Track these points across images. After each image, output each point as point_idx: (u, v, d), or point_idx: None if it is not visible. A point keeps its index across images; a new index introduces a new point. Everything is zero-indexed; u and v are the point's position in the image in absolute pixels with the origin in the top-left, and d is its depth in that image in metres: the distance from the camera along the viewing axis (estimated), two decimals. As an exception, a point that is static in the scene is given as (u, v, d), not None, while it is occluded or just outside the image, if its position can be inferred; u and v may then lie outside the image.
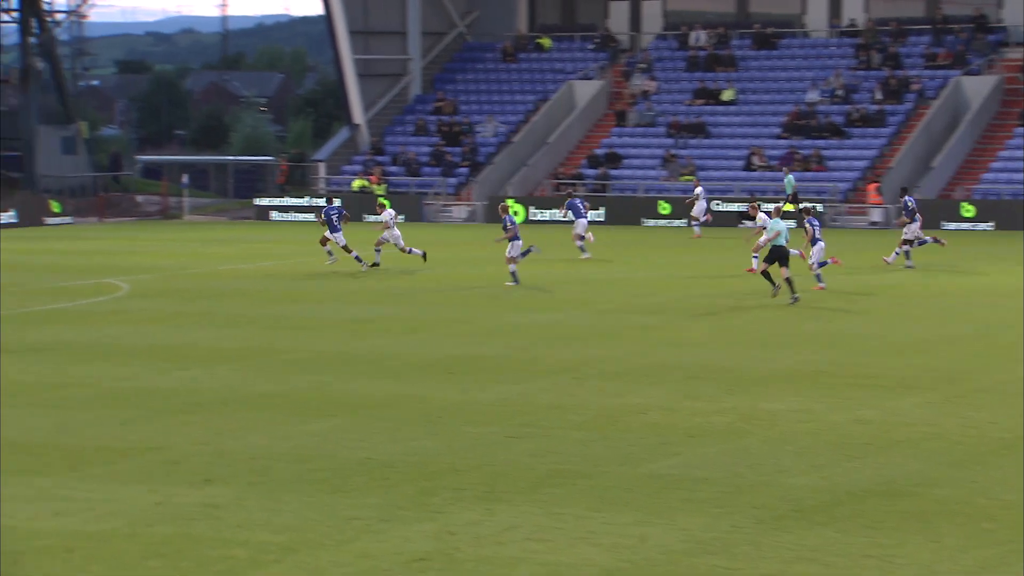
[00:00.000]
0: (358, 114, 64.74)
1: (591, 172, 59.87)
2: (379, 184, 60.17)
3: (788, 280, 29.50)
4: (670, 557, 12.24)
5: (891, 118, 59.28)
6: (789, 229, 30.55)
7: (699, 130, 61.12)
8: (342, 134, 66.49)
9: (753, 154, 58.64)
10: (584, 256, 40.07)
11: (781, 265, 29.52)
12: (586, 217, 41.05)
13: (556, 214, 56.31)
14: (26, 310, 29.36)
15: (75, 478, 14.88)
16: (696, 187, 49.98)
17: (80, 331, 26.22)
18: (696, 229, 48.41)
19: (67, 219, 57.97)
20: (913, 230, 37.03)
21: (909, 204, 37.15)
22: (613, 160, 60.28)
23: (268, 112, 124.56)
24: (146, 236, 52.38)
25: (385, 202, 38.93)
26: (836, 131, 59.20)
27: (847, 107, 59.93)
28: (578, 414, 18.29)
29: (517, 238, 33.47)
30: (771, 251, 29.76)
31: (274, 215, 59.84)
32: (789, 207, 46.59)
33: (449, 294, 32.12)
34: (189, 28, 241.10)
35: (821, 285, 31.65)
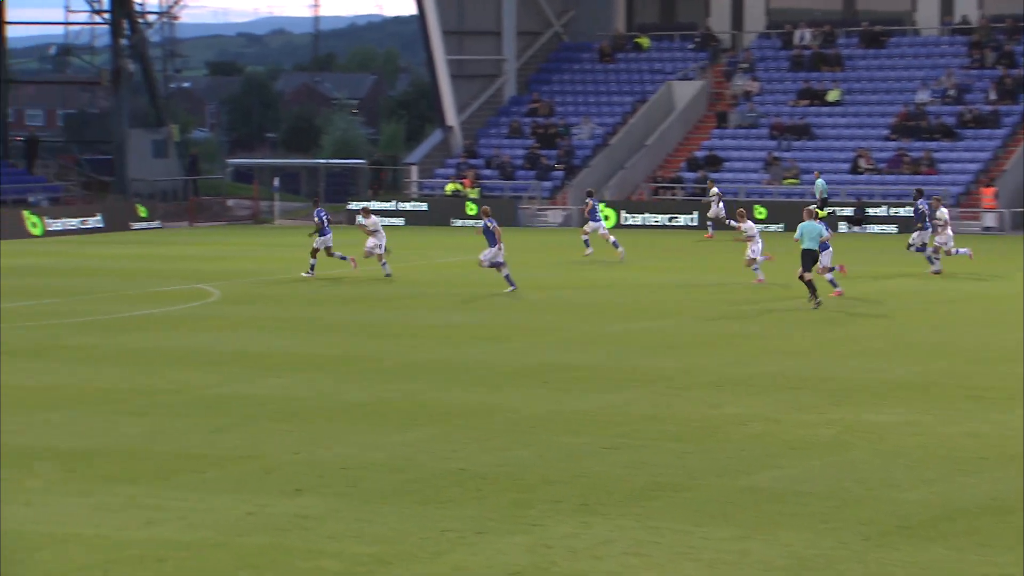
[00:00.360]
0: (451, 116, 65.01)
1: (690, 175, 59.66)
2: (472, 188, 60.39)
3: (809, 282, 30.16)
4: (772, 574, 12.18)
5: (1006, 119, 58.43)
6: (820, 234, 30.60)
7: (803, 132, 60.66)
8: (435, 136, 66.78)
9: (860, 156, 58.08)
10: (587, 252, 41.46)
11: (805, 270, 30.01)
12: (600, 220, 42.70)
13: (649, 218, 56.27)
14: (117, 315, 29.85)
15: (166, 486, 15.11)
16: (711, 188, 50.78)
17: (171, 337, 26.61)
18: (710, 229, 50.22)
19: (154, 224, 58.71)
20: (922, 236, 37.10)
21: (920, 208, 37.26)
22: (713, 163, 60.01)
23: (360, 114, 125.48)
24: (237, 241, 52.98)
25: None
26: (947, 133, 58.46)
27: (959, 108, 59.16)
28: (676, 425, 18.25)
29: (495, 243, 33.37)
30: (803, 256, 30.09)
31: (359, 219, 60.23)
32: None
33: (543, 301, 32.17)
34: (280, 29, 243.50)
35: (838, 290, 31.53)
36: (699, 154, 60.75)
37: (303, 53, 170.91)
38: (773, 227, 53.62)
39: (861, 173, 57.54)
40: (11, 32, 69.70)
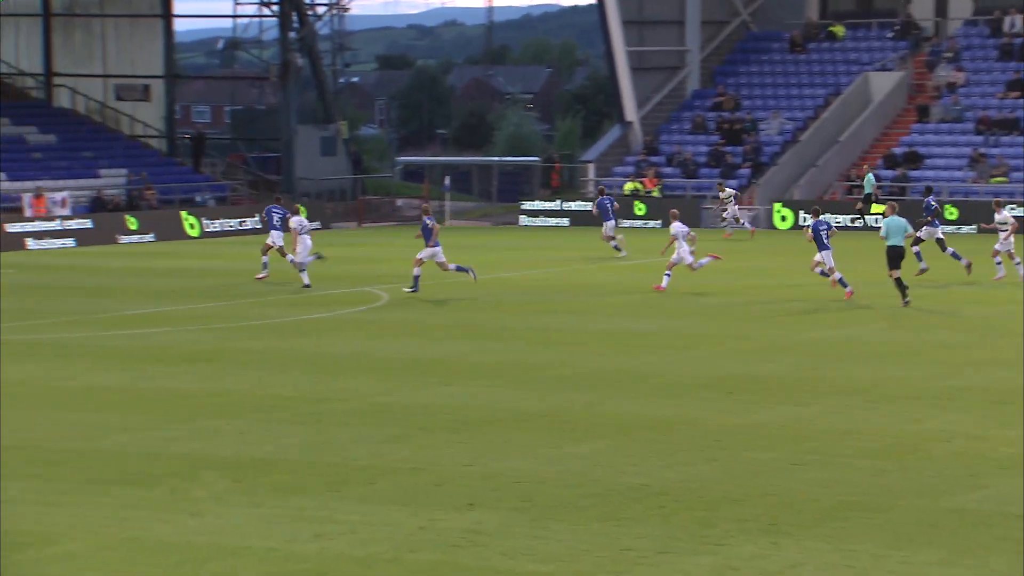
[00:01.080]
0: (631, 111, 64.96)
1: (888, 173, 58.75)
2: (655, 187, 60.25)
3: (897, 280, 31.04)
4: (977, 603, 11.98)
5: None
6: (906, 230, 31.66)
7: (1012, 126, 59.29)
8: (613, 133, 66.79)
9: (1074, 152, 56.60)
10: (621, 255, 43.48)
11: (892, 268, 31.06)
12: (613, 219, 44.85)
13: (828, 219, 55.38)
14: (282, 320, 30.46)
15: (335, 498, 15.38)
16: (721, 192, 52.89)
17: (338, 342, 27.06)
18: (728, 229, 51.70)
19: (314, 224, 59.41)
20: (930, 232, 37.07)
21: (932, 205, 37.87)
22: (913, 160, 59.00)
23: (534, 109, 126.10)
24: (404, 242, 53.51)
25: (302, 208, 38.74)
26: None
27: None
28: (871, 440, 18.02)
29: (435, 244, 33.81)
30: (889, 253, 31.17)
31: (523, 220, 60.66)
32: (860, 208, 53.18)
33: (726, 306, 31.98)
34: (453, 20, 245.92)
35: (848, 290, 32.42)
36: (897, 151, 59.77)
37: (476, 45, 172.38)
38: (965, 228, 52.54)
39: (1076, 170, 56.03)
40: (179, 26, 71.57)
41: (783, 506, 14.87)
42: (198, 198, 59.28)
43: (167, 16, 67.79)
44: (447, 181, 65.70)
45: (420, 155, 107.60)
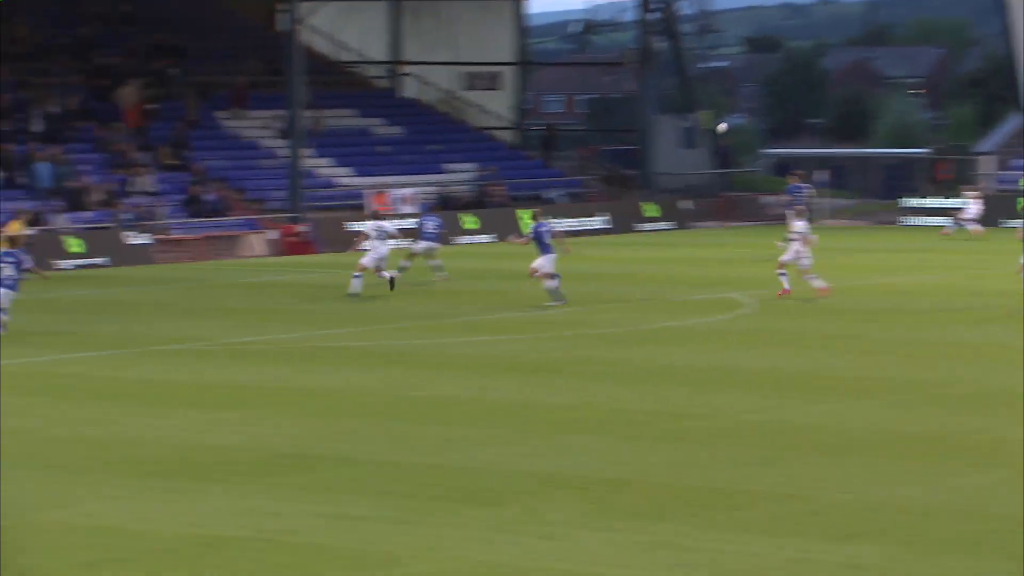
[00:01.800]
0: (1032, 96, 62.84)
1: None
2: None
3: None
4: None
5: None
6: None
7: None
8: (1012, 121, 64.76)
9: None
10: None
11: None
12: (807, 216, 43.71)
13: None
14: (636, 328, 30.57)
15: (696, 525, 15.32)
16: (967, 192, 53.82)
17: (697, 354, 27.01)
18: (950, 227, 52.06)
19: (667, 224, 59.11)
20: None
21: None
22: None
23: (921, 95, 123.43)
24: (772, 243, 52.98)
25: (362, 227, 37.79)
26: None
27: None
28: None
29: (549, 251, 33.16)
30: None
31: (903, 219, 59.29)
32: None
33: None
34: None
35: None
36: None
37: (855, 25, 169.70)
38: None
39: None
40: (530, 9, 72.38)
41: None
42: (547, 195, 59.73)
43: (518, -1, 68.84)
44: (820, 176, 64.83)
45: (790, 147, 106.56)
